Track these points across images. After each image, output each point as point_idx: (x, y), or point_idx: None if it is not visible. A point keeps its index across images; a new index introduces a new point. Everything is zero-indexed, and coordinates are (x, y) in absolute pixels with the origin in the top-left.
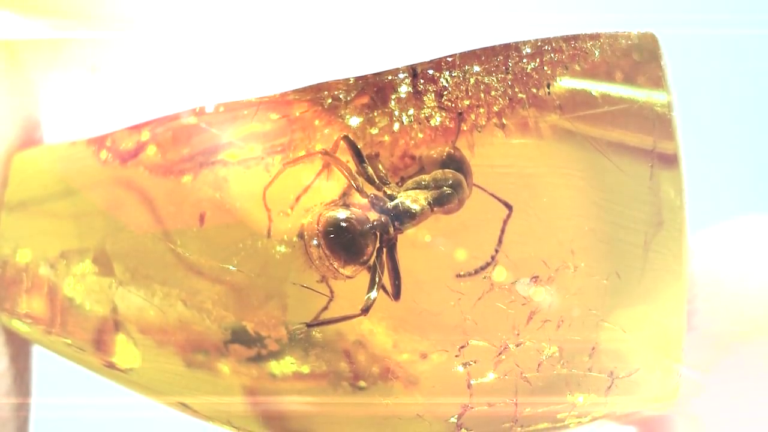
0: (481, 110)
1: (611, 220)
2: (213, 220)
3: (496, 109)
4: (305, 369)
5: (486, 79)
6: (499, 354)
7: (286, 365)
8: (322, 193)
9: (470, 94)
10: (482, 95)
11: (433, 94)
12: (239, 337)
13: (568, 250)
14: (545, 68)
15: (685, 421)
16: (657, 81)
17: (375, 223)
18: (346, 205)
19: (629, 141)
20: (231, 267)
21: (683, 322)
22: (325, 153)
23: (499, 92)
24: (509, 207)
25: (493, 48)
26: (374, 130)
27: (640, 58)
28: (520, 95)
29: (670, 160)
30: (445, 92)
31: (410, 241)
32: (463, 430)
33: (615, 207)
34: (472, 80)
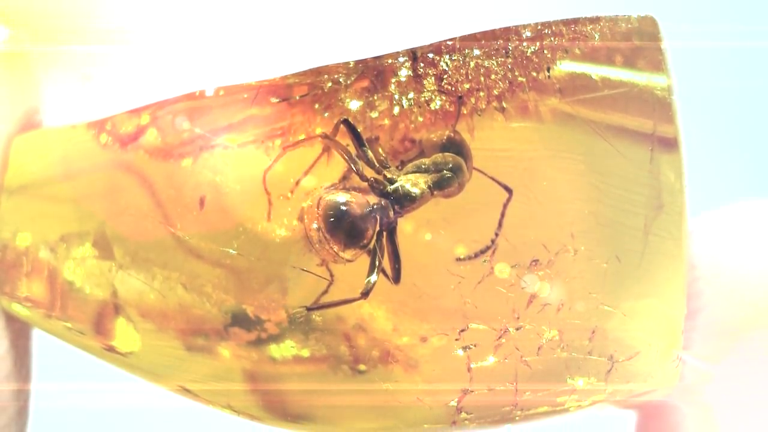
0: (481, 94)
1: (611, 204)
2: (213, 203)
3: (496, 92)
4: (305, 352)
5: (486, 63)
6: (499, 338)
7: (286, 349)
8: (322, 177)
9: (470, 77)
10: (482, 79)
11: (433, 78)
12: (239, 320)
13: (568, 234)
14: (545, 52)
15: (695, 410)
16: (657, 65)
17: (375, 206)
18: (346, 189)
19: (629, 125)
20: (231, 250)
21: (683, 306)
22: (325, 137)
23: (499, 76)
24: (509, 190)
25: (493, 31)
26: (374, 114)
27: (640, 42)
28: (520, 79)
29: (670, 144)
30: (445, 76)
31: (410, 225)
32: (462, 413)
33: (615, 191)
34: (472, 64)
